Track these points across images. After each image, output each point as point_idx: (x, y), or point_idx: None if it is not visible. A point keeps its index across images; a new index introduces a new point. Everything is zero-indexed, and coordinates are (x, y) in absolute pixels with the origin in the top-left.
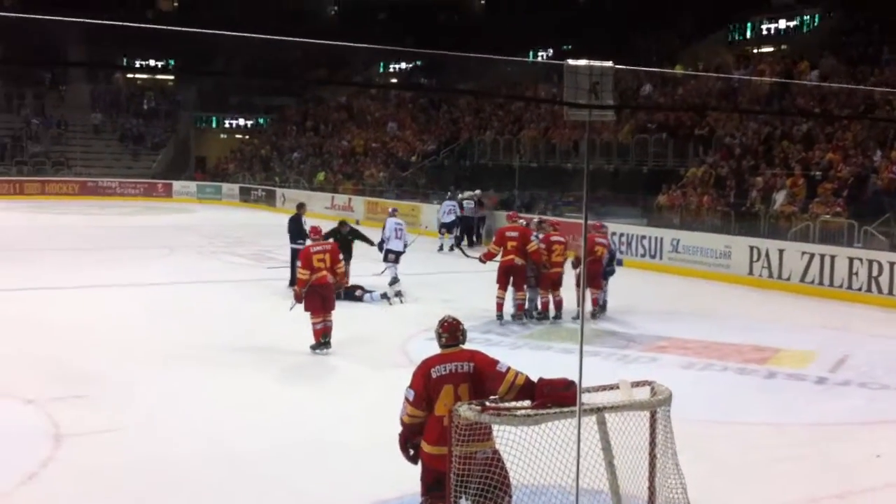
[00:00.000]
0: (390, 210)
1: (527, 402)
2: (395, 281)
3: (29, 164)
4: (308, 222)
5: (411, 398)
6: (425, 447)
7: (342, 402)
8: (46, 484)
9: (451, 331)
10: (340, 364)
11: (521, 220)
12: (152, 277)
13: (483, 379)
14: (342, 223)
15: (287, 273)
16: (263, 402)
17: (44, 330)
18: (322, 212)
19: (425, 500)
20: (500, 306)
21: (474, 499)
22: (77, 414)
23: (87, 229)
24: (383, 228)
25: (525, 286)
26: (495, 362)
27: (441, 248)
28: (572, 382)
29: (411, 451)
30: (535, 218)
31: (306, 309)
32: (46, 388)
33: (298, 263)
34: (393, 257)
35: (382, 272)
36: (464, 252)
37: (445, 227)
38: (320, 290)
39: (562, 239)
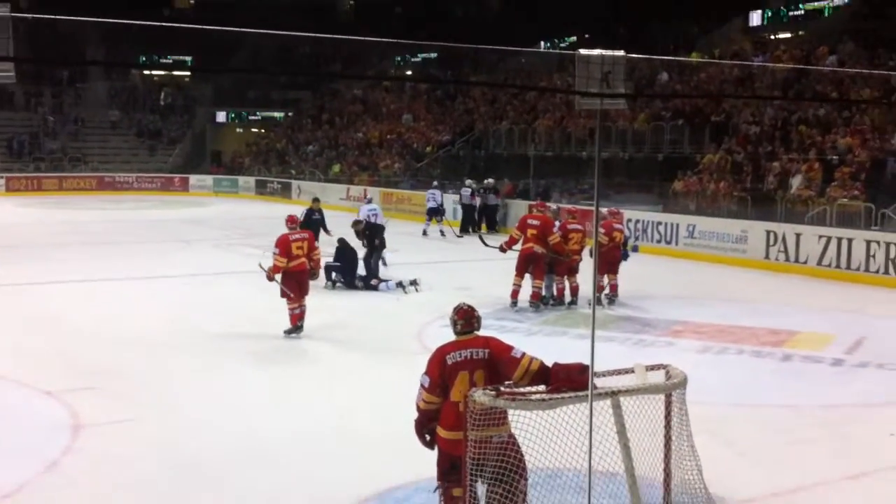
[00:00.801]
0: (366, 198)
1: (542, 387)
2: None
3: (46, 161)
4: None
5: (426, 385)
6: (441, 432)
7: (358, 388)
8: (67, 472)
9: (466, 318)
10: (357, 351)
11: (548, 209)
12: (169, 270)
13: (498, 365)
14: (315, 200)
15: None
16: (279, 390)
17: (62, 323)
18: (337, 203)
19: (441, 484)
20: (515, 293)
21: (490, 483)
22: (95, 405)
23: (105, 224)
24: (358, 215)
25: (542, 275)
26: (510, 348)
27: (424, 233)
28: (587, 367)
29: (427, 437)
30: (553, 206)
31: (283, 295)
32: (65, 379)
33: (276, 250)
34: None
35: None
36: (483, 240)
37: (429, 214)
38: (297, 276)
39: (579, 227)
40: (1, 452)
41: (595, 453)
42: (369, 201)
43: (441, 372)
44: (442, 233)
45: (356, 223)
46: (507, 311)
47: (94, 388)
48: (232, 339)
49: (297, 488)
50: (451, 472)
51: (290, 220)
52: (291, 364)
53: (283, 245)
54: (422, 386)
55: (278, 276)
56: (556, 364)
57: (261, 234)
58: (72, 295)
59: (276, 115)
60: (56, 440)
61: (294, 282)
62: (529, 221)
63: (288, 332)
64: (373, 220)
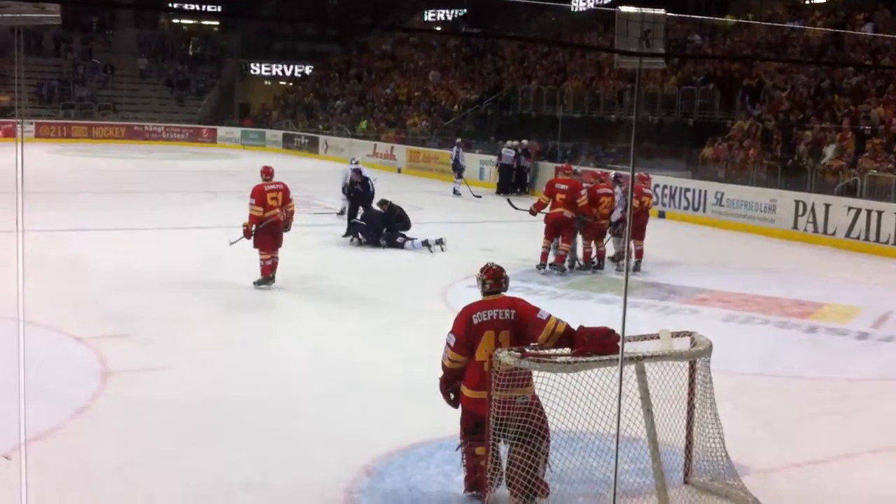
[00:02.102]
0: (351, 160)
1: (566, 350)
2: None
3: (76, 108)
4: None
5: (452, 343)
6: (466, 391)
7: (383, 346)
8: (96, 417)
9: (495, 277)
10: (381, 309)
11: (575, 172)
12: (196, 221)
13: (524, 326)
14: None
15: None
16: (304, 343)
17: (91, 270)
18: (364, 160)
19: (464, 442)
20: (544, 256)
21: (512, 443)
22: (124, 352)
23: (133, 173)
24: (345, 178)
25: (571, 239)
26: (536, 310)
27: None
28: (612, 331)
29: (452, 395)
30: (578, 170)
31: (256, 245)
32: (94, 326)
33: (252, 200)
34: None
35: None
36: (511, 203)
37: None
38: (271, 227)
39: (609, 191)
40: (32, 397)
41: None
42: (354, 162)
43: (467, 331)
44: (455, 191)
45: (382, 203)
46: (532, 273)
47: (123, 334)
48: (258, 291)
49: (321, 439)
50: (474, 430)
51: (265, 171)
52: (316, 318)
53: (258, 195)
54: (447, 344)
55: (253, 228)
56: (581, 327)
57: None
58: (101, 243)
59: (305, 67)
60: (85, 385)
61: (268, 233)
62: (558, 186)
63: (257, 283)
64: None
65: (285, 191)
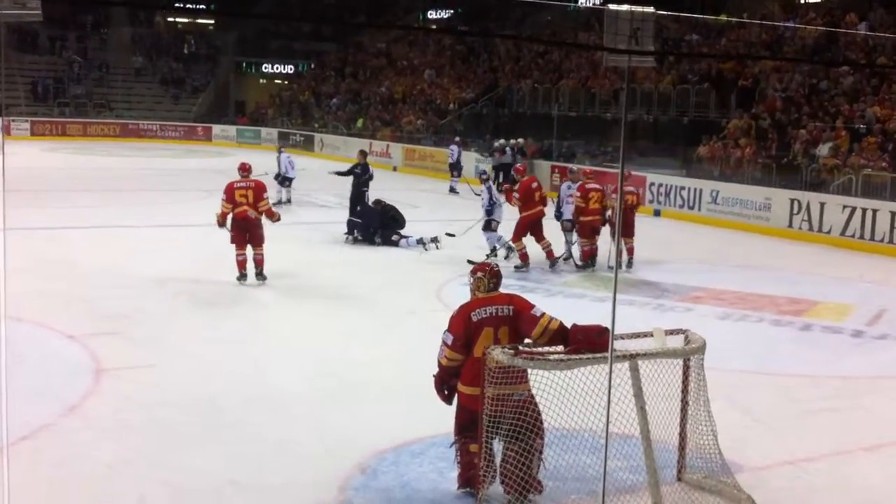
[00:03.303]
0: (279, 147)
1: (560, 347)
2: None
3: (71, 106)
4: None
5: (449, 342)
6: (463, 388)
7: (377, 343)
8: (87, 415)
9: (497, 276)
10: (375, 306)
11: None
12: (190, 219)
13: (520, 322)
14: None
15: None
16: (297, 341)
17: (84, 268)
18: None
19: (458, 439)
20: (525, 256)
21: (506, 440)
22: (115, 350)
23: (129, 171)
24: (278, 164)
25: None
26: (532, 306)
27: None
28: (606, 329)
29: (446, 392)
30: (571, 167)
31: (231, 241)
32: (87, 324)
33: (223, 196)
34: (288, 183)
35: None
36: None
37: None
38: (240, 223)
39: (598, 186)
40: (24, 394)
41: (611, 415)
42: (282, 149)
43: (465, 328)
44: (452, 189)
45: (376, 202)
46: (526, 272)
47: (116, 332)
48: (251, 289)
49: (314, 436)
50: (469, 427)
51: (242, 167)
52: (310, 316)
53: (227, 192)
54: (444, 343)
55: (228, 223)
56: (574, 325)
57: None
58: (95, 240)
59: (300, 66)
60: (77, 383)
61: (237, 229)
62: (533, 185)
63: (238, 279)
64: (293, 165)
65: (257, 189)
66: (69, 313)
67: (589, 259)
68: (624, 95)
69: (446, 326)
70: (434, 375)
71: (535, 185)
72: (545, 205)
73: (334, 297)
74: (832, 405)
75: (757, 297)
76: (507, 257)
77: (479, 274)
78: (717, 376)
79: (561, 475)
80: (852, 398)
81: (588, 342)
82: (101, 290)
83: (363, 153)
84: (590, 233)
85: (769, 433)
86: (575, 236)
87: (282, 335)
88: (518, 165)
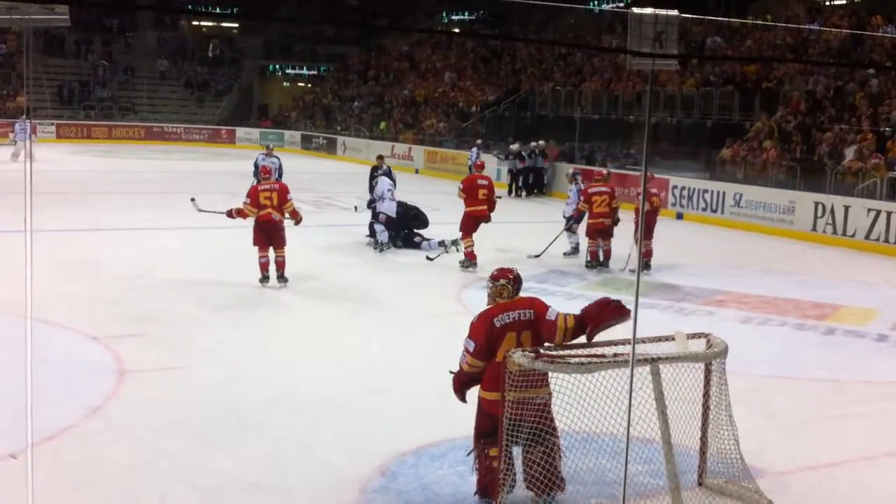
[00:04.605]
0: (268, 146)
1: (580, 351)
2: None
3: (96, 109)
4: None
5: (472, 349)
6: (484, 394)
7: (398, 346)
8: (110, 416)
9: (518, 282)
10: (396, 309)
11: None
12: (215, 221)
13: (540, 327)
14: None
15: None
16: (319, 344)
17: (109, 270)
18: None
19: (478, 444)
20: (473, 255)
21: (528, 444)
22: (139, 352)
23: (154, 173)
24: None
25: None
26: (547, 308)
27: None
28: (612, 299)
29: (465, 392)
30: (570, 170)
31: (254, 244)
32: (110, 326)
33: (246, 200)
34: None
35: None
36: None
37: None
38: (263, 225)
39: (604, 189)
40: (47, 396)
41: (632, 419)
42: (269, 149)
43: (488, 335)
44: None
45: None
46: (549, 275)
47: (139, 334)
48: (273, 291)
49: (335, 438)
50: (490, 433)
51: (264, 171)
52: (332, 319)
53: (252, 195)
54: (466, 350)
55: (246, 222)
56: (584, 309)
57: (306, 189)
58: (119, 243)
59: (323, 69)
60: (100, 385)
61: (260, 231)
62: (479, 182)
63: (260, 281)
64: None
65: (281, 192)
66: (93, 315)
67: (596, 259)
68: (648, 98)
69: (467, 332)
70: (452, 373)
71: (482, 182)
72: (492, 209)
73: (356, 300)
74: (855, 410)
75: (780, 301)
76: (447, 251)
77: (502, 281)
78: (739, 380)
79: (581, 479)
80: (875, 403)
81: (603, 316)
82: (124, 291)
83: (380, 157)
84: (595, 235)
85: (791, 438)
86: (579, 236)
87: (303, 337)
88: (478, 161)
